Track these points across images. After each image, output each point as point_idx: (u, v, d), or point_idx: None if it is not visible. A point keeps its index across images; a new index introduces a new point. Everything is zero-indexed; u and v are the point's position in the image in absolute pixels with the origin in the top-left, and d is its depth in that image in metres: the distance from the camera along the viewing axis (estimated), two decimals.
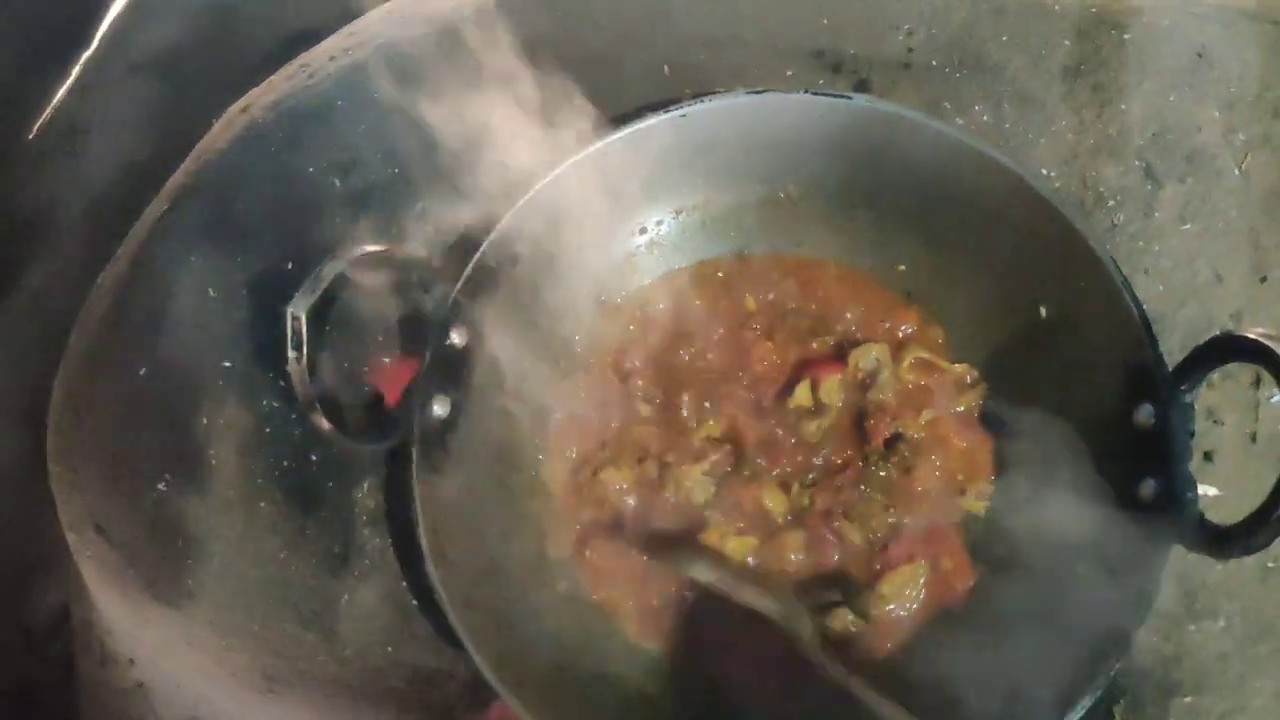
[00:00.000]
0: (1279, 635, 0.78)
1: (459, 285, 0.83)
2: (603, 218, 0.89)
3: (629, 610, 0.84)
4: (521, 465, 0.89)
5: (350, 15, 1.07)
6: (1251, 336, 0.71)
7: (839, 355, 0.90)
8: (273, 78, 1.02)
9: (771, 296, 0.94)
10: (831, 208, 0.92)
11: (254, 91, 1.01)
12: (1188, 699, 0.78)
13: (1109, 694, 0.76)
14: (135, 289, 0.91)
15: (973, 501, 0.86)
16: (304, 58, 1.01)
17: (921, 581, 0.86)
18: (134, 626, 0.90)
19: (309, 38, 1.13)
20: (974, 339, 0.90)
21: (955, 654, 0.82)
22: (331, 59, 0.97)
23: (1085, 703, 0.72)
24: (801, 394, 0.88)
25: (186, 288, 0.89)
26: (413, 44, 0.96)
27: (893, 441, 0.88)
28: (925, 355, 0.88)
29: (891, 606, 0.84)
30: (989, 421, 0.88)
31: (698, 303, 0.94)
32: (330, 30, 1.06)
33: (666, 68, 0.94)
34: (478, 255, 0.84)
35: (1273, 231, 0.87)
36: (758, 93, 0.88)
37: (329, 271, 0.75)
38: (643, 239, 0.94)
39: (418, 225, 0.90)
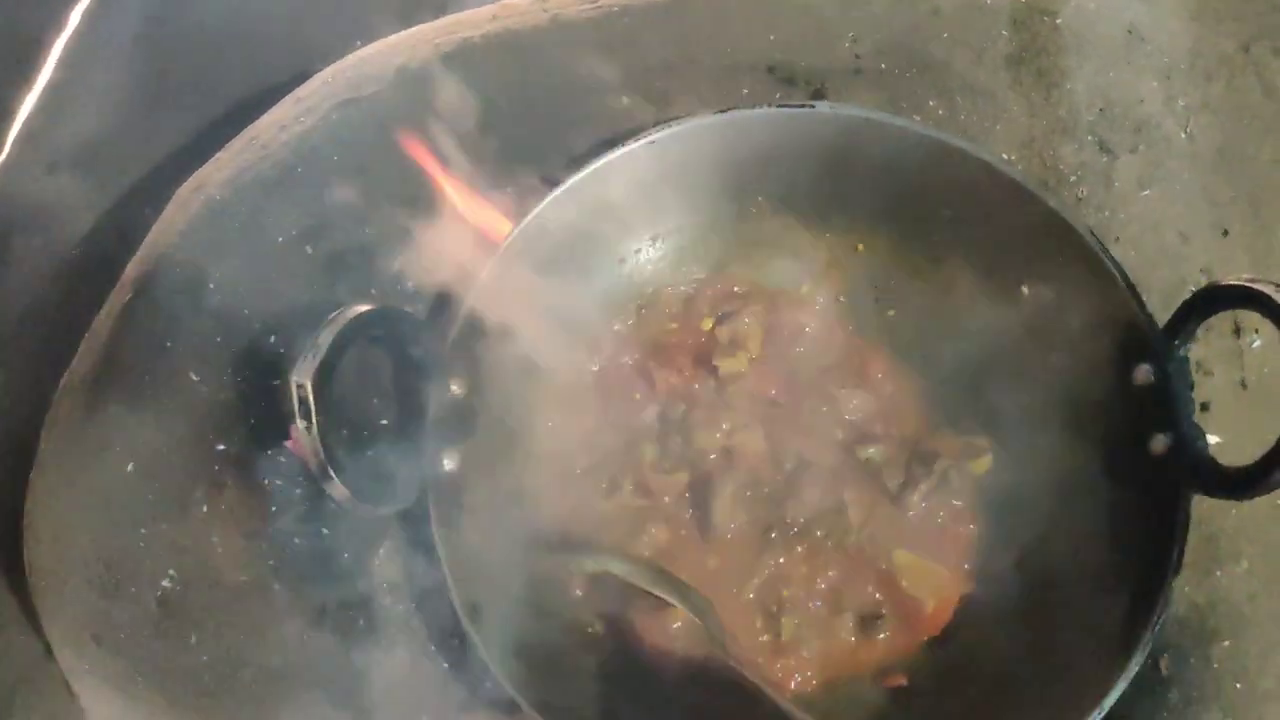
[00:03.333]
0: None
1: (451, 337, 0.82)
2: (582, 252, 0.90)
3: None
4: (540, 498, 0.87)
5: (283, 87, 1.07)
6: (1237, 283, 0.74)
7: None
8: (220, 155, 0.99)
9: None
10: (805, 216, 0.94)
11: (204, 170, 0.99)
12: (1226, 643, 0.79)
13: (1155, 648, 0.77)
14: (106, 384, 0.87)
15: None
16: (251, 131, 0.99)
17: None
18: None
19: (236, 118, 1.13)
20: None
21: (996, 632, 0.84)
22: (282, 128, 0.96)
23: (1137, 659, 0.73)
24: None
25: (164, 374, 0.85)
26: (366, 103, 0.95)
27: None
28: None
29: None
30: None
31: (674, 326, 0.95)
32: (261, 104, 1.06)
33: (625, 99, 0.94)
34: (465, 306, 0.83)
35: (1225, 188, 0.91)
36: (723, 112, 0.89)
37: (325, 337, 0.73)
38: (623, 268, 0.94)
39: (399, 283, 0.89)
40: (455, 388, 0.82)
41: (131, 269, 0.93)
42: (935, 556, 0.87)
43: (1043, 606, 0.82)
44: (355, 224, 0.90)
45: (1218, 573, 0.81)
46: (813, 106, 0.89)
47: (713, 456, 0.89)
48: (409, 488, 0.79)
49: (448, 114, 0.94)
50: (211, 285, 0.87)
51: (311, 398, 0.71)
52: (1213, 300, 0.76)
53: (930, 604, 0.86)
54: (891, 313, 0.94)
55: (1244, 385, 0.85)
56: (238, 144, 0.98)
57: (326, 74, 1.02)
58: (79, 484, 0.85)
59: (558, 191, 0.86)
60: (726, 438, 0.90)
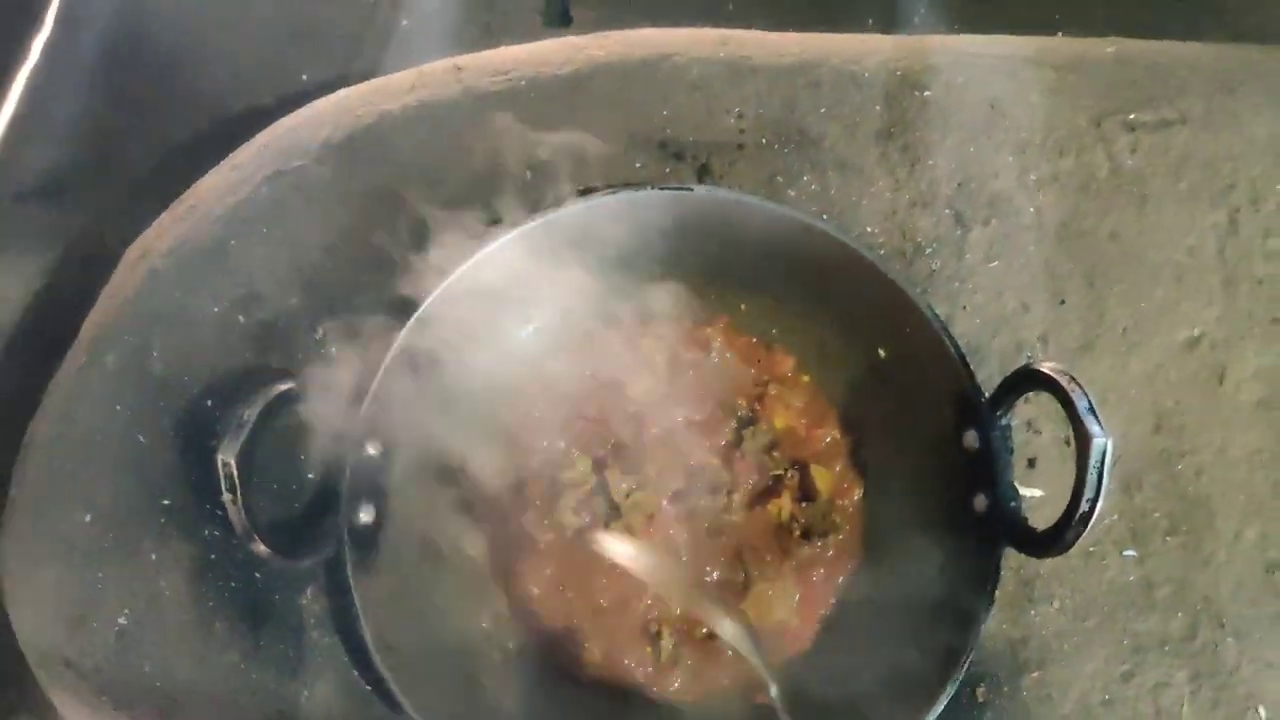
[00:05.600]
0: (1101, 609, 0.93)
1: (367, 400, 0.93)
2: (491, 319, 0.99)
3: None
4: (448, 548, 0.99)
5: (228, 142, 1.16)
6: (1043, 370, 0.85)
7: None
8: (162, 219, 1.09)
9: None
10: (691, 281, 1.04)
11: (146, 235, 1.08)
12: (1035, 674, 0.92)
13: (970, 678, 0.90)
14: (64, 440, 0.98)
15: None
16: (190, 196, 1.09)
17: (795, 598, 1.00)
18: None
19: (192, 153, 1.23)
20: (832, 382, 1.03)
21: (832, 656, 0.97)
22: (220, 197, 1.05)
23: (950, 689, 0.85)
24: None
25: (115, 436, 0.96)
26: (293, 175, 1.05)
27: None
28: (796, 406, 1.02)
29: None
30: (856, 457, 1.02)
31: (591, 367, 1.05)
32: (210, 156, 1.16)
33: (529, 173, 1.03)
34: (381, 370, 0.93)
35: (1065, 260, 1.01)
36: (612, 192, 0.99)
37: (248, 416, 0.84)
38: (529, 329, 1.04)
39: (321, 348, 1.00)
40: (371, 449, 0.93)
41: (87, 331, 1.03)
42: (800, 586, 1.00)
43: (884, 635, 0.94)
44: (282, 294, 1.00)
45: (1031, 611, 0.93)
46: (690, 189, 0.99)
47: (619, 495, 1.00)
48: (327, 540, 0.91)
49: (366, 187, 1.04)
50: (155, 353, 0.98)
51: (235, 473, 0.82)
52: (1023, 381, 0.87)
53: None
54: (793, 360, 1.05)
55: (1068, 442, 0.96)
56: (179, 210, 1.08)
57: (261, 140, 1.11)
58: (45, 530, 0.97)
59: (464, 267, 0.96)
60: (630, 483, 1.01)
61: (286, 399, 0.89)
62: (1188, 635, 0.92)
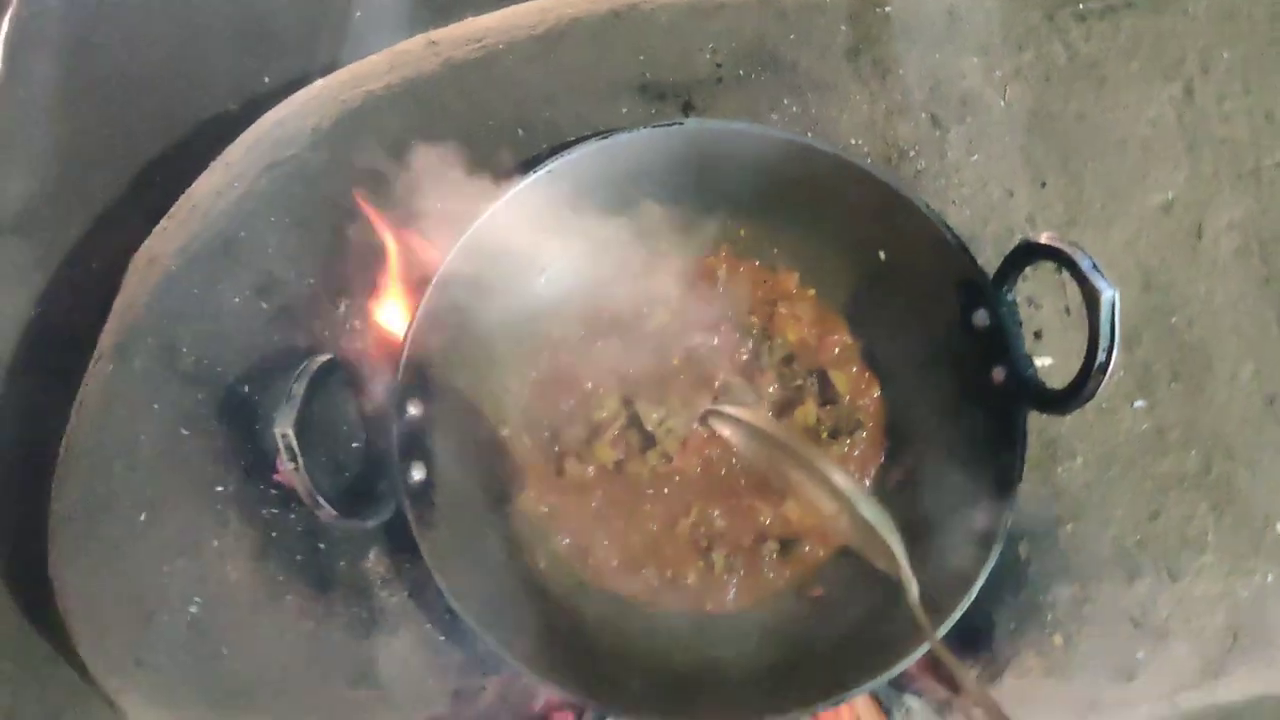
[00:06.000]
0: (1121, 458, 0.99)
1: (401, 364, 0.96)
2: (507, 272, 1.02)
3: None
4: (498, 497, 1.02)
5: (203, 152, 1.18)
6: (1042, 241, 0.90)
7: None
8: (165, 224, 1.11)
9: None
10: (692, 216, 1.08)
11: (152, 241, 1.10)
12: (1069, 526, 0.98)
13: (1011, 539, 0.95)
14: (105, 446, 0.99)
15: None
16: (189, 199, 1.10)
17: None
18: None
19: (165, 172, 1.24)
20: (837, 291, 1.07)
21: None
22: (219, 195, 1.07)
23: (996, 550, 0.90)
24: None
25: (158, 433, 0.98)
26: (288, 164, 1.07)
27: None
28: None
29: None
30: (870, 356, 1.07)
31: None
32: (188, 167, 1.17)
33: (520, 130, 1.07)
34: (410, 334, 0.96)
35: (1040, 146, 1.08)
36: (604, 135, 1.02)
37: (298, 388, 0.87)
38: (544, 277, 1.08)
39: (346, 323, 1.02)
40: (413, 409, 0.96)
41: (106, 339, 1.04)
42: None
43: (923, 515, 0.99)
44: (300, 278, 1.02)
45: (1058, 470, 0.99)
46: (681, 123, 1.03)
47: (653, 424, 1.05)
48: (385, 502, 0.94)
49: (364, 167, 1.06)
50: (184, 349, 0.99)
51: (295, 442, 0.84)
52: (1025, 255, 0.93)
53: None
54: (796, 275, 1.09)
55: (1068, 312, 1.03)
56: (180, 213, 1.09)
57: (248, 138, 1.13)
58: (97, 536, 0.98)
59: (474, 226, 0.99)
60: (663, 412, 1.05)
61: (327, 370, 0.92)
62: (1203, 470, 0.99)
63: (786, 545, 1.03)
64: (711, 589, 1.02)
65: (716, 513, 1.03)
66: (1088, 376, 0.86)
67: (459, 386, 1.01)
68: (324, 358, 0.90)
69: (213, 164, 1.13)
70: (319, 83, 1.16)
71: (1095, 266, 0.85)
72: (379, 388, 0.96)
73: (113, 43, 1.49)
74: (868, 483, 1.04)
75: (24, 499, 1.11)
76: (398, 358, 0.96)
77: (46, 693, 1.23)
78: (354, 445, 0.99)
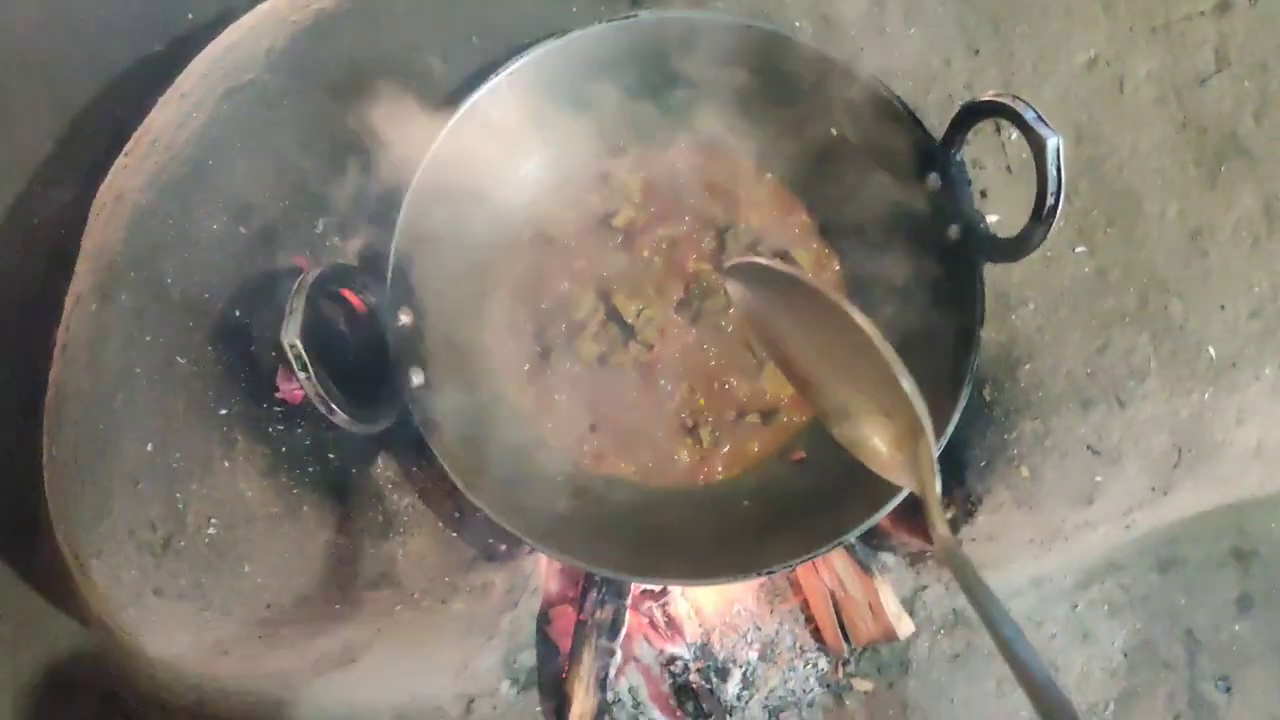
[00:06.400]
0: (1067, 301, 1.08)
1: (389, 274, 0.98)
2: (477, 180, 1.05)
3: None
4: (493, 397, 1.07)
5: (142, 92, 1.17)
6: (986, 99, 0.96)
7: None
8: (125, 160, 1.10)
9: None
10: (650, 109, 1.12)
11: (116, 178, 1.09)
12: (1026, 366, 1.06)
13: (977, 381, 1.03)
14: (101, 385, 1.00)
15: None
16: (148, 131, 1.10)
17: None
18: (212, 659, 1.04)
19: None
20: (793, 172, 1.12)
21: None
22: (180, 127, 1.07)
23: (965, 392, 0.97)
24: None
25: (153, 364, 0.99)
26: (248, 89, 1.07)
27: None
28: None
29: None
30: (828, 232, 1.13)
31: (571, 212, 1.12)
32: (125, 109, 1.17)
33: (474, 37, 1.08)
34: (393, 244, 0.99)
35: (971, 15, 1.14)
36: (560, 35, 1.05)
37: (297, 302, 0.89)
38: (511, 183, 1.10)
39: (326, 239, 1.04)
40: (404, 317, 0.99)
41: (83, 281, 1.04)
42: None
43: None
44: (275, 199, 1.03)
45: (1012, 316, 1.07)
46: (635, 15, 1.06)
47: (631, 316, 1.09)
48: (390, 407, 0.97)
49: (324, 82, 1.07)
50: (169, 279, 1.00)
51: (304, 352, 0.87)
52: (970, 114, 0.98)
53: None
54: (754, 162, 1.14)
55: (1009, 170, 1.10)
56: (140, 148, 1.09)
57: (199, 65, 1.12)
58: (101, 475, 0.99)
59: (444, 132, 1.02)
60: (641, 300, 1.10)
61: (318, 285, 0.94)
62: (1141, 305, 1.08)
63: (766, 416, 1.09)
64: (701, 463, 1.09)
65: (699, 393, 1.10)
66: (1039, 221, 0.93)
67: (444, 293, 1.04)
68: (316, 271, 0.92)
69: (167, 95, 1.12)
70: (265, 5, 1.15)
71: (1039, 117, 0.91)
72: (369, 299, 0.98)
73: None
74: None
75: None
76: (384, 270, 0.99)
77: (54, 642, 1.26)
78: (350, 358, 1.02)
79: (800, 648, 1.31)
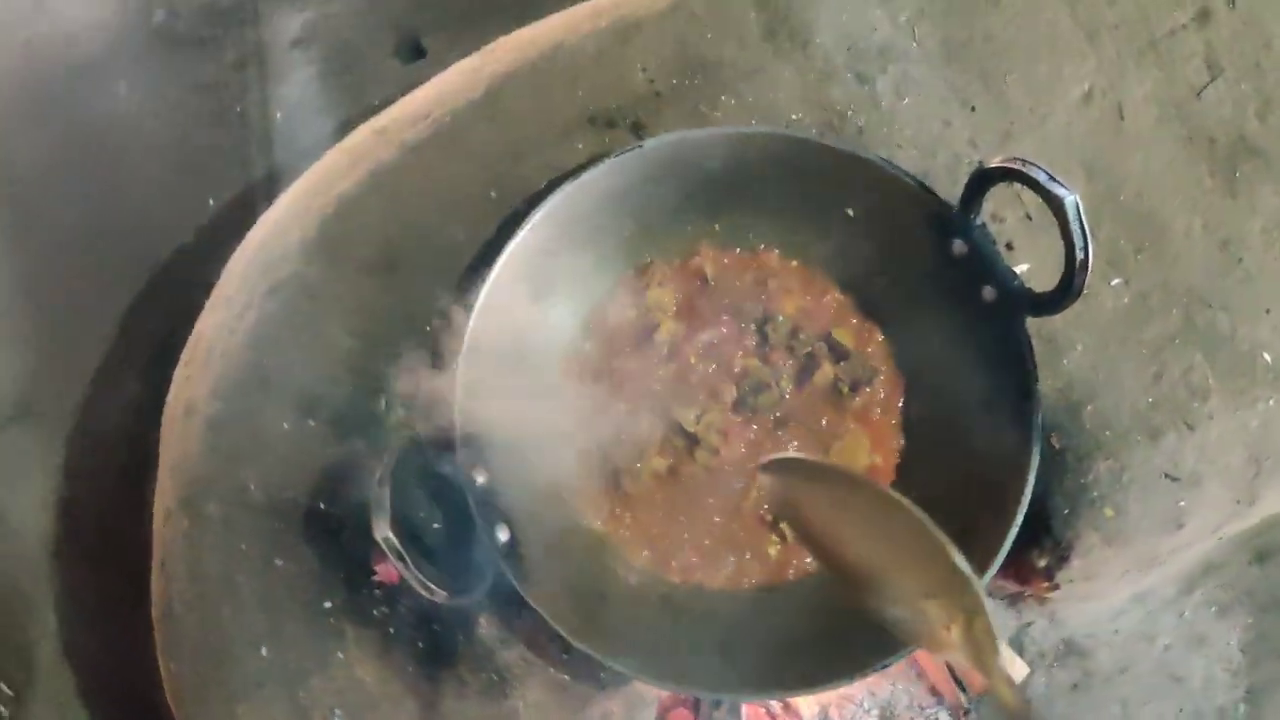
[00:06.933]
0: (1114, 334, 1.09)
1: (458, 442, 1.02)
2: (520, 329, 1.08)
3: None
4: (577, 528, 1.09)
5: (178, 291, 1.22)
6: (996, 165, 0.98)
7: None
8: (186, 370, 1.14)
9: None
10: (667, 226, 1.15)
11: (179, 388, 1.14)
12: (1089, 407, 1.08)
13: (1044, 433, 1.04)
14: (205, 598, 1.04)
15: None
16: (201, 338, 1.14)
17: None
18: None
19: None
20: (818, 255, 1.14)
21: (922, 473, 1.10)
22: (231, 330, 1.11)
23: (1036, 450, 0.98)
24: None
25: (253, 570, 1.03)
26: (290, 282, 1.11)
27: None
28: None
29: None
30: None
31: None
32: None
33: (493, 192, 1.12)
34: (455, 411, 1.02)
35: (959, 74, 1.16)
36: (574, 176, 1.08)
37: (382, 493, 0.92)
38: (550, 325, 1.13)
39: (391, 414, 1.08)
40: (479, 477, 1.02)
41: (167, 498, 1.08)
42: (868, 430, 1.14)
43: (957, 438, 1.08)
44: (334, 386, 1.07)
45: (1063, 361, 1.08)
46: (641, 145, 1.09)
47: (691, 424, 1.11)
48: (484, 568, 1.00)
49: (361, 265, 1.11)
50: (251, 485, 1.04)
51: (397, 543, 0.90)
52: (983, 181, 1.00)
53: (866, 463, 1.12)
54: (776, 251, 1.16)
55: (1029, 218, 1.12)
56: (197, 356, 1.13)
57: (237, 266, 1.17)
58: (221, 684, 1.02)
59: (476, 308, 1.04)
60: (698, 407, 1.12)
61: (397, 467, 0.97)
62: (1187, 324, 1.09)
63: None
64: (788, 555, 1.10)
65: None
66: (1073, 275, 0.94)
67: (511, 443, 1.07)
68: (391, 458, 0.96)
69: (210, 302, 1.17)
70: (284, 197, 1.20)
71: (1051, 176, 0.93)
72: (445, 467, 1.01)
73: (47, 213, 1.51)
74: (894, 423, 1.13)
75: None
76: (451, 435, 1.02)
77: None
78: (435, 526, 1.05)
79: (919, 705, 1.32)
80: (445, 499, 1.07)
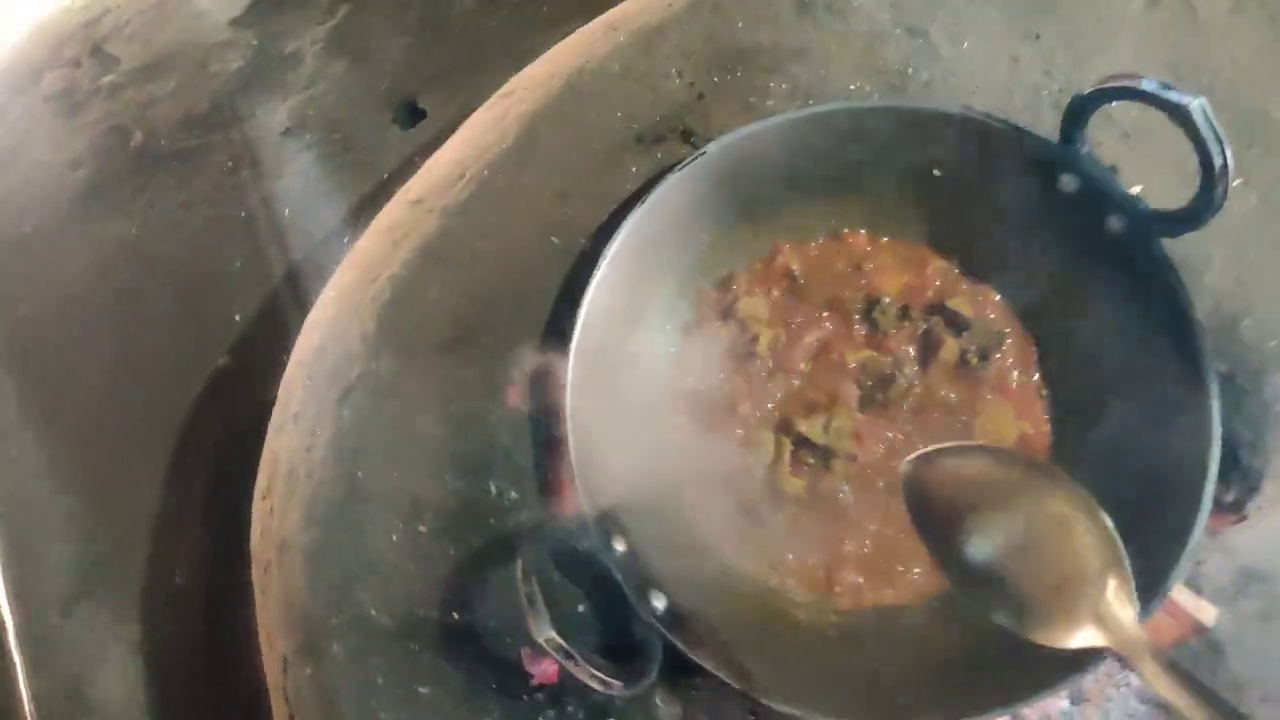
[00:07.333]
0: (1252, 238, 1.01)
1: (589, 515, 0.92)
2: (617, 379, 0.99)
3: None
4: (731, 572, 1.00)
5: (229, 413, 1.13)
6: (1098, 88, 0.90)
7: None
8: (265, 502, 1.05)
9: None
10: (739, 229, 1.07)
11: (263, 527, 1.04)
12: (1245, 322, 0.98)
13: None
14: None
15: None
16: (276, 464, 1.05)
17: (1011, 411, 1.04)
18: None
19: None
20: (908, 225, 1.06)
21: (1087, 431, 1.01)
22: (308, 449, 1.02)
23: (1213, 380, 0.89)
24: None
25: (396, 702, 0.92)
26: (362, 381, 1.02)
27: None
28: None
29: None
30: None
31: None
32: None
33: (554, 239, 1.04)
34: (577, 480, 0.93)
35: (1011, 3, 1.08)
36: (640, 201, 1.00)
37: (530, 592, 0.83)
38: (644, 364, 1.05)
39: (506, 500, 0.98)
40: (618, 545, 0.93)
41: (283, 645, 0.98)
42: (1009, 399, 1.05)
43: (1115, 388, 0.98)
44: (437, 483, 0.98)
45: (1204, 280, 1.00)
46: (704, 152, 1.01)
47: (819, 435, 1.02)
48: (649, 643, 0.91)
49: (433, 344, 1.02)
50: (372, 611, 0.94)
51: (563, 642, 0.81)
52: (1086, 106, 0.92)
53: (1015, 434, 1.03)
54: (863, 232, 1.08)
55: (1127, 135, 1.03)
56: (277, 484, 1.04)
57: (296, 377, 1.07)
58: None
59: (570, 367, 0.96)
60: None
61: (536, 563, 0.88)
62: None
63: None
64: None
65: None
66: (1213, 185, 0.86)
67: (639, 500, 0.98)
68: (525, 543, 0.87)
69: (275, 423, 1.08)
70: (327, 294, 1.11)
71: (1166, 85, 0.85)
72: (577, 543, 0.92)
73: (72, 379, 1.42)
74: (1036, 386, 1.04)
75: None
76: (575, 507, 0.93)
77: None
78: (579, 609, 0.96)
79: (1108, 675, 1.22)
80: (585, 576, 0.98)
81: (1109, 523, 0.77)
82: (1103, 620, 0.73)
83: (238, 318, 1.39)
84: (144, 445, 1.37)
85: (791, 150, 1.02)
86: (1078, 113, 0.94)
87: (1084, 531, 0.77)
